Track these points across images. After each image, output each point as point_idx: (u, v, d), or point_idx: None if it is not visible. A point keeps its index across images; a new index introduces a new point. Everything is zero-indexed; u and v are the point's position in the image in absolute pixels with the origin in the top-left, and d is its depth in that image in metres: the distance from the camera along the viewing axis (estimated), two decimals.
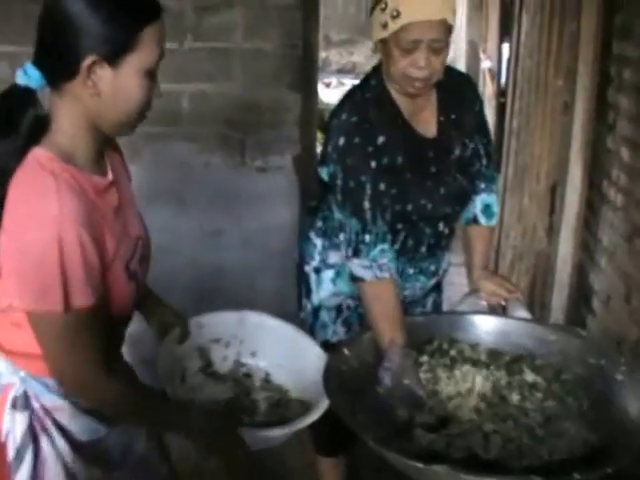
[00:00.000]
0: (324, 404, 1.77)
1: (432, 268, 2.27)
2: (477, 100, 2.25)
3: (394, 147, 2.05)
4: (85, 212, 1.37)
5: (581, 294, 3.13)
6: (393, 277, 2.06)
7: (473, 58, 6.65)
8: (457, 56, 7.48)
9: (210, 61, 3.66)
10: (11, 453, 1.49)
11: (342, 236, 2.09)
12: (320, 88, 8.19)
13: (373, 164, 2.02)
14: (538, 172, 3.39)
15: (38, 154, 1.38)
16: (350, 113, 2.06)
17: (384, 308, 2.03)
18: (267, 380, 2.00)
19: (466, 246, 2.38)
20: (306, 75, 3.81)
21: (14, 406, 1.49)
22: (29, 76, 1.40)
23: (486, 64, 5.88)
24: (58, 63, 1.39)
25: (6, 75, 3.67)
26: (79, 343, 1.41)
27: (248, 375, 2.01)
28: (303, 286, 2.37)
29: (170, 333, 1.86)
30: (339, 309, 2.29)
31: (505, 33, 5.30)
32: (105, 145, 1.53)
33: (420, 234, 2.17)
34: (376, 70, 2.13)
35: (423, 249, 2.20)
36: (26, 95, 1.40)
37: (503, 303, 2.24)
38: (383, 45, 1.99)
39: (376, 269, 2.04)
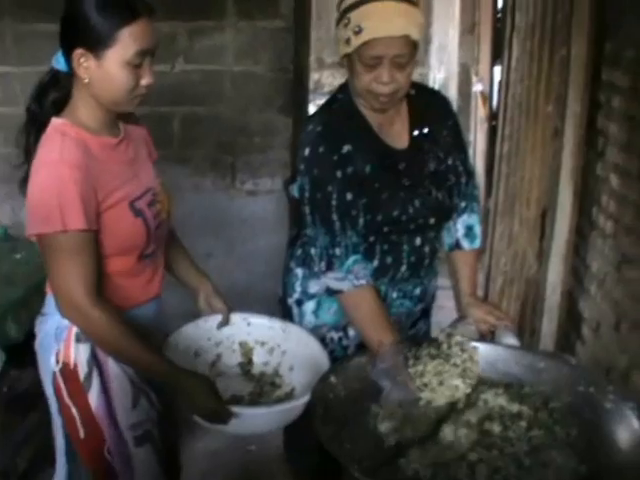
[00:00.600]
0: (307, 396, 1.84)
1: (417, 292, 2.25)
2: (450, 115, 2.24)
3: (361, 156, 2.04)
4: (82, 159, 1.73)
5: (571, 321, 3.12)
6: (370, 283, 2.06)
7: (465, 81, 6.66)
8: (449, 79, 7.50)
9: (201, 84, 3.69)
10: (82, 377, 1.87)
11: (313, 250, 2.09)
12: (312, 110, 8.19)
13: (339, 173, 2.01)
14: (528, 197, 3.38)
15: (54, 121, 1.80)
16: (315, 124, 2.07)
17: (367, 314, 2.04)
18: (289, 394, 2.07)
19: (452, 273, 2.35)
20: (297, 98, 3.83)
21: (78, 340, 1.86)
22: (58, 61, 1.81)
23: (478, 87, 5.89)
24: (64, 52, 1.77)
25: None
26: (73, 264, 1.72)
27: (275, 385, 2.10)
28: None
29: (205, 314, 2.16)
30: (323, 342, 2.22)
31: (497, 56, 5.30)
32: (120, 118, 1.90)
33: (398, 250, 2.15)
34: (343, 86, 2.13)
35: (403, 268, 2.17)
36: (54, 77, 1.83)
37: (492, 330, 2.22)
38: (348, 60, 2.00)
39: (352, 279, 2.03)
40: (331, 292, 2.09)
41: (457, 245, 2.29)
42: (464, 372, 1.92)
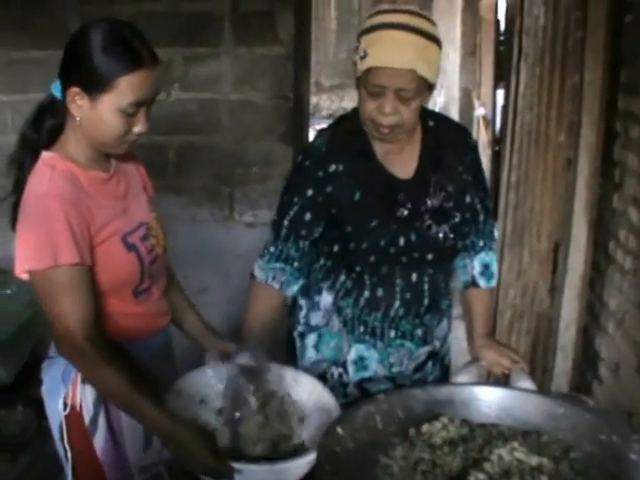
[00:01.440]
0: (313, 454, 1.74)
1: (418, 333, 2.15)
2: (469, 150, 2.15)
3: (352, 180, 2.01)
4: (72, 192, 1.71)
5: (587, 360, 3.02)
6: (282, 291, 2.09)
7: (466, 105, 6.60)
8: (450, 102, 7.45)
9: (198, 112, 3.62)
10: (87, 420, 1.83)
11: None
12: (311, 135, 8.15)
13: (310, 192, 2.01)
14: (539, 230, 3.30)
15: (44, 155, 1.76)
16: (316, 138, 2.09)
17: (258, 310, 2.08)
18: (298, 447, 1.97)
19: (465, 311, 2.27)
20: (297, 126, 3.74)
21: (83, 381, 1.80)
22: (56, 87, 1.76)
23: (480, 111, 5.82)
24: (61, 85, 1.73)
25: None
26: (69, 301, 1.67)
27: (285, 437, 2.00)
28: (291, 354, 2.29)
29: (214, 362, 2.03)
30: (324, 378, 2.15)
31: (500, 79, 5.23)
32: (112, 154, 1.87)
33: (389, 284, 2.08)
34: (356, 109, 2.09)
35: (397, 304, 2.09)
36: (51, 103, 1.78)
37: (506, 372, 2.13)
38: (357, 84, 1.97)
39: (269, 276, 2.07)
40: (250, 275, 2.12)
41: (473, 283, 2.22)
42: None
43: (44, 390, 1.90)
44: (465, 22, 6.56)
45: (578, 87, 2.91)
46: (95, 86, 1.68)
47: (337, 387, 2.18)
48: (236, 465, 1.71)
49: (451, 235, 2.10)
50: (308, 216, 2.03)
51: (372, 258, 2.05)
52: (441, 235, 2.08)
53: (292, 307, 2.29)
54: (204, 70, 3.54)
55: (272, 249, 2.07)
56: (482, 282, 2.22)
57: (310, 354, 2.22)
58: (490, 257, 2.23)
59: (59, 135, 1.80)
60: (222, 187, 3.70)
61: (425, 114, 2.10)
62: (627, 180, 2.63)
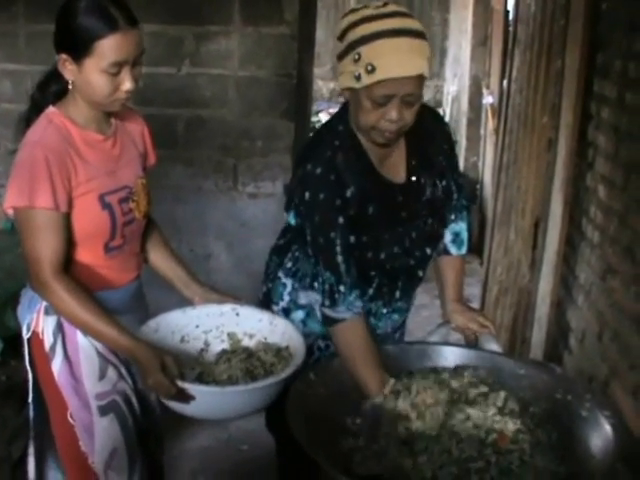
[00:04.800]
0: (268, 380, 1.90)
1: (404, 306, 2.27)
2: (446, 138, 2.22)
3: (364, 198, 2.00)
4: (60, 144, 1.88)
5: (559, 331, 3.14)
6: (362, 313, 2.06)
7: (476, 93, 6.68)
8: (461, 91, 7.53)
9: (206, 87, 3.74)
10: (47, 346, 2.01)
11: (316, 284, 2.08)
12: (322, 117, 8.25)
13: (341, 219, 1.97)
14: (524, 207, 3.40)
15: (48, 109, 1.95)
16: (315, 164, 1.99)
17: (358, 350, 2.01)
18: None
19: (438, 278, 2.35)
20: (300, 103, 3.86)
21: (47, 312, 1.99)
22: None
23: (488, 100, 5.90)
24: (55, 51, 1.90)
25: (9, 93, 3.81)
26: (42, 239, 1.86)
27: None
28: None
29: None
30: (310, 351, 2.18)
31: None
32: (118, 115, 2.05)
33: (394, 280, 2.17)
34: (341, 114, 2.08)
35: (398, 294, 2.20)
36: (56, 70, 1.92)
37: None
38: (353, 94, 1.93)
39: (352, 311, 2.02)
40: (330, 322, 2.05)
41: (444, 250, 2.31)
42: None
43: (18, 314, 2.09)
44: (476, 13, 6.66)
45: (560, 71, 3.00)
46: (78, 51, 1.84)
47: (323, 358, 2.25)
48: (180, 384, 1.84)
49: (438, 223, 2.19)
50: (352, 238, 2.01)
51: (388, 265, 2.11)
52: (435, 226, 2.17)
53: (270, 281, 2.31)
54: (214, 47, 3.67)
55: (342, 289, 1.99)
56: (453, 249, 2.30)
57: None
58: (460, 226, 2.29)
59: (60, 98, 1.98)
60: (227, 159, 3.82)
61: None
62: (598, 159, 2.74)
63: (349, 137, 2.02)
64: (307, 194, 1.98)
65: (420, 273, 2.22)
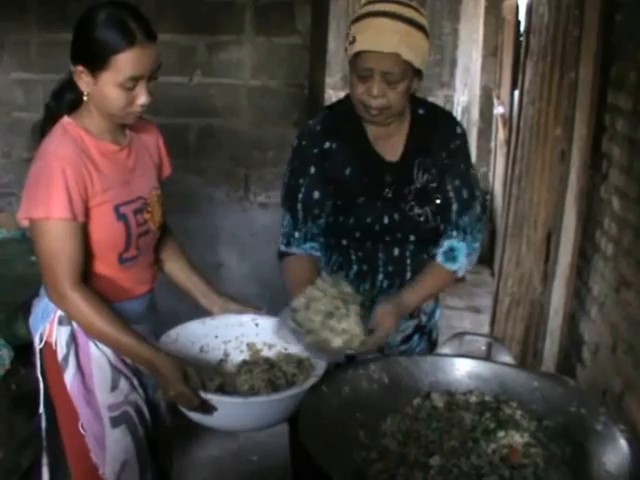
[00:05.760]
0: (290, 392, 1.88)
1: None
2: (454, 138, 2.17)
3: (343, 156, 2.12)
4: (75, 155, 1.88)
5: (572, 344, 3.12)
6: (315, 257, 2.18)
7: (487, 104, 6.67)
8: (471, 102, 7.52)
9: (218, 97, 3.75)
10: (60, 357, 2.00)
11: (281, 227, 2.22)
12: None
13: (312, 169, 2.12)
14: (535, 219, 3.38)
15: (63, 119, 1.95)
16: (313, 120, 2.20)
17: (297, 276, 2.11)
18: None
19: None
20: (311, 113, 3.84)
21: (60, 322, 1.98)
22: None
23: (499, 110, 5.90)
24: (71, 63, 1.90)
25: (21, 102, 3.82)
26: (58, 250, 1.86)
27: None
28: None
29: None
30: None
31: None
32: (132, 127, 2.04)
33: (374, 258, 2.18)
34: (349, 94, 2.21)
35: (380, 276, 2.19)
36: (71, 80, 1.92)
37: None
38: (349, 69, 2.08)
39: (305, 251, 2.17)
40: (281, 256, 2.20)
41: (433, 257, 2.19)
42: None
43: (30, 324, 2.08)
44: (487, 23, 6.66)
45: (574, 83, 2.99)
46: (95, 64, 1.83)
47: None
48: (203, 395, 1.82)
49: (433, 217, 2.16)
50: (317, 194, 2.13)
51: (358, 234, 2.15)
52: (422, 217, 2.15)
53: None
54: (225, 57, 3.68)
55: (297, 234, 2.17)
56: (440, 258, 2.17)
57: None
58: (461, 245, 2.18)
59: (78, 107, 1.97)
60: (238, 169, 3.83)
61: (417, 103, 2.18)
62: (612, 171, 2.73)
63: (348, 105, 2.14)
64: (296, 141, 2.19)
65: (407, 260, 2.19)
